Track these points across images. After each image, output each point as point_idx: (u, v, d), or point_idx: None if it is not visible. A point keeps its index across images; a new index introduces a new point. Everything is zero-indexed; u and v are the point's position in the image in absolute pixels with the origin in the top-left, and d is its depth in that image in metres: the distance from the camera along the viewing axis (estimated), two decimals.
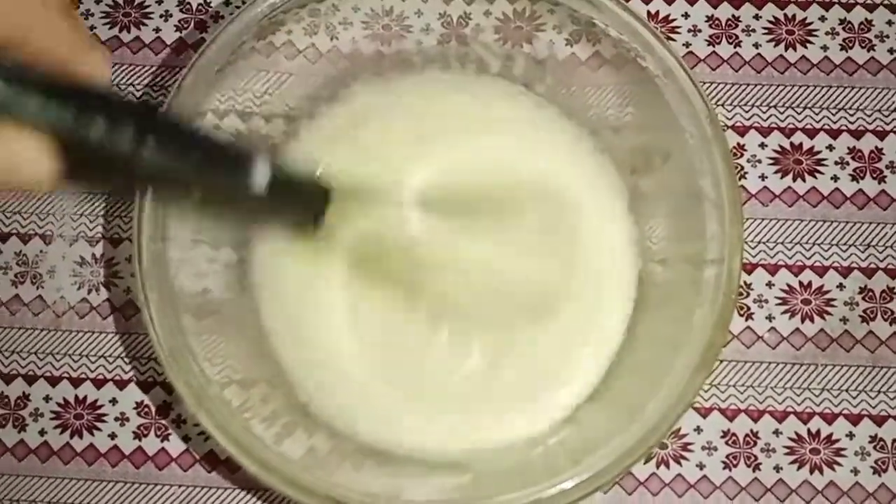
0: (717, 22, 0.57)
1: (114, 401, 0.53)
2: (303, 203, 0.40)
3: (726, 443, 0.51)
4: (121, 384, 0.53)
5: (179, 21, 0.58)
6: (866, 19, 0.56)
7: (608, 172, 0.50)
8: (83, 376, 0.53)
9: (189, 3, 0.58)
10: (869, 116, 0.55)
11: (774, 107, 0.55)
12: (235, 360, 0.46)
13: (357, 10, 0.49)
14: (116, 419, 0.52)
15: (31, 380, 0.53)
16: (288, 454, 0.43)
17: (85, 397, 0.53)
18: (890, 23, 0.56)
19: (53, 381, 0.53)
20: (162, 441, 0.52)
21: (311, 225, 0.41)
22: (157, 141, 0.30)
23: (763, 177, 0.54)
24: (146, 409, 0.53)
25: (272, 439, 0.43)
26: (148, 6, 0.58)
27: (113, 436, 0.52)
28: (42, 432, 0.52)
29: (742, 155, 0.55)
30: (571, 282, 0.49)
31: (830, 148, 0.55)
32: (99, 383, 0.53)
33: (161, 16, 0.58)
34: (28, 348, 0.53)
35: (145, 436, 0.52)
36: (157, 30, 0.58)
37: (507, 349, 0.48)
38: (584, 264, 0.49)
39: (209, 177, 0.34)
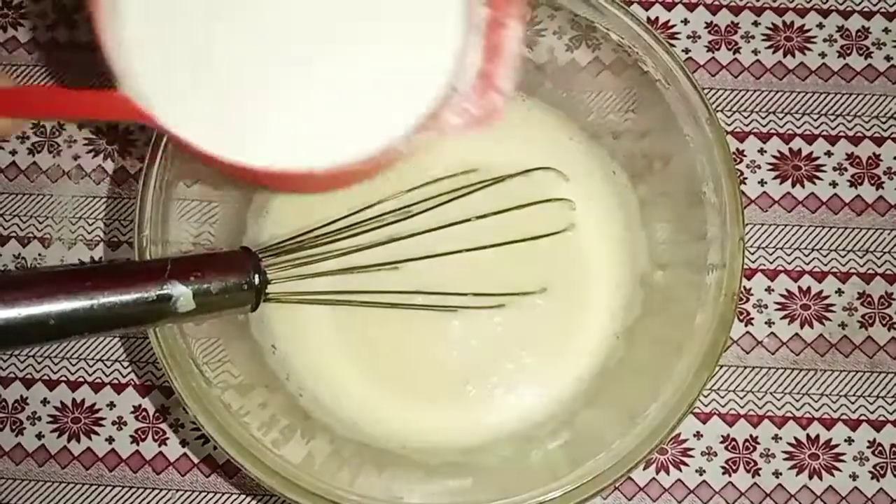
0: (716, 28, 0.57)
1: (111, 404, 0.52)
2: (237, 282, 0.41)
3: (726, 448, 0.51)
4: (118, 388, 0.53)
5: None
6: (863, 27, 0.57)
7: (605, 173, 0.51)
8: (81, 380, 0.53)
9: None
10: (867, 123, 0.55)
11: (773, 113, 0.56)
12: (233, 365, 0.46)
13: None
14: (114, 423, 0.52)
15: (28, 383, 0.53)
16: (287, 458, 0.42)
17: (83, 401, 0.52)
18: (887, 30, 0.57)
19: (51, 385, 0.53)
20: (160, 445, 0.52)
21: (253, 293, 0.42)
22: None
23: (762, 182, 0.55)
24: (144, 413, 0.52)
25: (271, 444, 0.43)
26: None
27: (111, 440, 0.52)
28: (39, 436, 0.52)
29: (741, 160, 0.55)
30: (558, 275, 0.49)
31: (829, 154, 0.55)
32: (97, 387, 0.53)
33: None
34: (26, 351, 0.53)
35: (143, 440, 0.52)
36: None
37: (496, 342, 0.49)
38: (571, 261, 0.50)
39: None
